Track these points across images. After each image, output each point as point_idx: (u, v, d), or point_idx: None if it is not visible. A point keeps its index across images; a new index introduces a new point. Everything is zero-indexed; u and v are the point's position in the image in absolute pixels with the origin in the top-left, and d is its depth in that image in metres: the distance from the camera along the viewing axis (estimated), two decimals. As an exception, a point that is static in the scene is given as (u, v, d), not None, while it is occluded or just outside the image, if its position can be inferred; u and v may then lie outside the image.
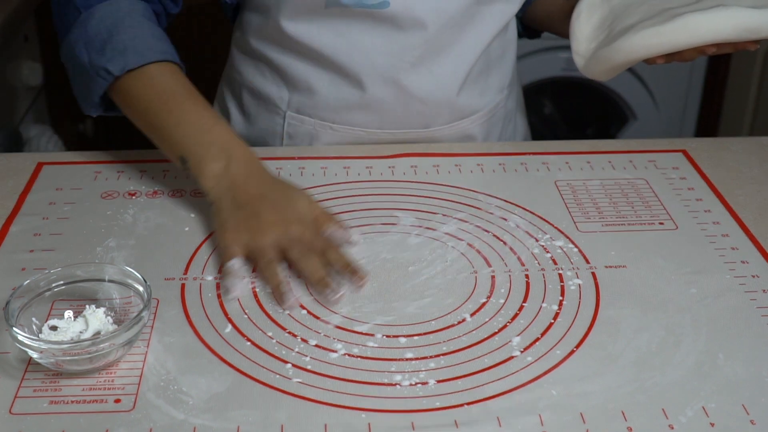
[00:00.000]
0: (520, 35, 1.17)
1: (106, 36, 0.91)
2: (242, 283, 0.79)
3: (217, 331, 0.75)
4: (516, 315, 0.77)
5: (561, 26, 1.06)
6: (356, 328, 0.75)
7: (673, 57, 0.93)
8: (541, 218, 0.91)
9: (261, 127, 1.09)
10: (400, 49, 1.00)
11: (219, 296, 0.79)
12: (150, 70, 0.91)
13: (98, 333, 0.71)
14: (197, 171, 0.87)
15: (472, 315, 0.77)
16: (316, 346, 0.73)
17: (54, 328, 0.72)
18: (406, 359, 0.72)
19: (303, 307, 0.77)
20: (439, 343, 0.74)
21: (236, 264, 0.79)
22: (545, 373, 0.71)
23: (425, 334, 0.75)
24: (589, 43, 0.98)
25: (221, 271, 0.81)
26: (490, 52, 1.08)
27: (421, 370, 0.71)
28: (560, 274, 0.82)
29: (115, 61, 0.90)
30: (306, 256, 0.80)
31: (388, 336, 0.74)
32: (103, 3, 0.93)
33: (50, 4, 0.98)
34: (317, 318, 0.76)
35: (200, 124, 0.89)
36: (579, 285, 0.81)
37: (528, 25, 1.17)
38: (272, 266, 0.79)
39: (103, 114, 0.98)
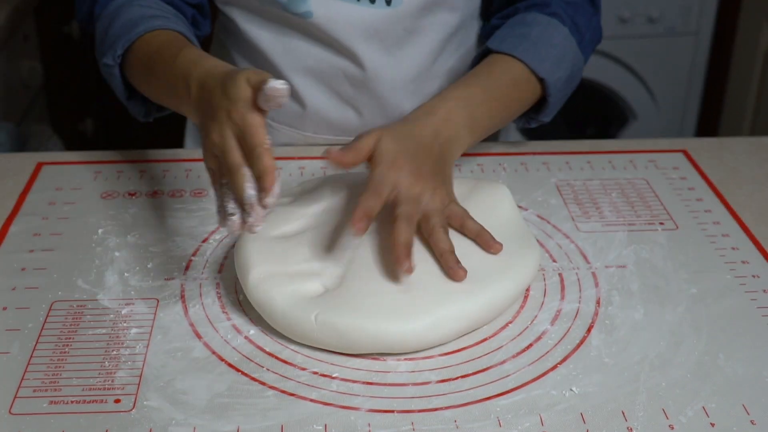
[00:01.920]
0: None
1: (104, 35, 0.91)
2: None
3: (217, 331, 0.74)
4: (516, 315, 0.77)
5: None
6: (356, 328, 0.75)
7: None
8: (541, 218, 0.91)
9: None
10: (332, 58, 0.99)
11: (219, 296, 0.79)
12: (138, 42, 0.87)
13: None
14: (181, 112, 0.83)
15: (472, 315, 0.77)
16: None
17: None
18: (407, 359, 0.72)
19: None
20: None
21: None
22: (545, 373, 0.70)
23: (425, 334, 0.74)
24: None
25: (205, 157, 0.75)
26: (461, 68, 1.05)
27: (422, 370, 0.71)
28: (560, 274, 0.82)
29: (108, 53, 0.89)
30: (229, 175, 0.70)
31: (388, 336, 0.74)
32: (108, 5, 0.93)
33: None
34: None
35: (200, 57, 0.80)
36: (579, 285, 0.81)
37: None
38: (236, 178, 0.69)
39: (156, 114, 0.95)
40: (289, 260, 0.76)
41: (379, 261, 0.76)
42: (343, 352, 0.72)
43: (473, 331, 0.74)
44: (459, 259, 0.75)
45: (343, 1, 0.95)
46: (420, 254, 0.77)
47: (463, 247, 0.77)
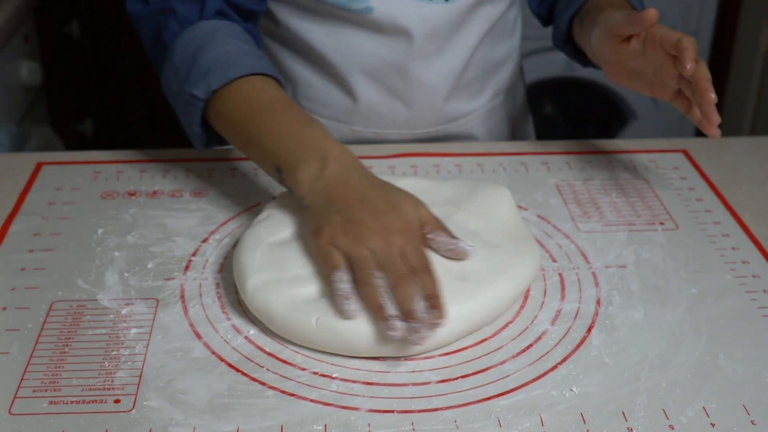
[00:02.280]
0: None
1: (190, 62, 0.87)
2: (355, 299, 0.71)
3: (217, 331, 0.74)
4: (516, 315, 0.77)
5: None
6: (356, 328, 0.75)
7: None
8: (541, 218, 0.91)
9: None
10: (388, 52, 1.01)
11: (219, 296, 0.78)
12: (237, 86, 0.85)
13: None
14: (291, 178, 0.79)
15: (472, 315, 0.77)
16: (316, 346, 0.73)
17: None
18: (407, 359, 0.72)
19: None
20: (440, 343, 0.73)
21: (343, 279, 0.71)
22: (545, 373, 0.70)
23: (425, 334, 0.74)
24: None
25: (327, 279, 0.73)
26: (488, 59, 1.08)
27: (422, 370, 0.71)
28: (560, 274, 0.82)
29: (200, 84, 0.85)
30: (401, 282, 0.70)
31: (388, 336, 0.74)
32: (185, 31, 0.89)
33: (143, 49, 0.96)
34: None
35: (291, 129, 0.81)
36: (579, 285, 0.81)
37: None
38: (370, 286, 0.70)
39: (216, 146, 0.92)
40: (288, 265, 0.76)
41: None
42: (345, 354, 0.72)
43: (473, 333, 0.74)
44: (460, 262, 0.76)
45: None
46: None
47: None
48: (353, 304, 0.70)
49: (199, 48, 0.88)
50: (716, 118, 0.83)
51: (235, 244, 0.84)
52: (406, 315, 0.69)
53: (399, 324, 0.68)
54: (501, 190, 0.86)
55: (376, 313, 0.69)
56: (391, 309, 0.69)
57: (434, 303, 0.69)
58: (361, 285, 0.71)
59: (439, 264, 0.75)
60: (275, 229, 0.80)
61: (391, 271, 0.71)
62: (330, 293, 0.72)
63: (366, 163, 1.00)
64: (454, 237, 0.75)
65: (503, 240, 0.79)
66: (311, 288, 0.74)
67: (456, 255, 0.75)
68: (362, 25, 0.99)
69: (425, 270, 0.72)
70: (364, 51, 1.01)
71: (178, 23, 0.91)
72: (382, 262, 0.71)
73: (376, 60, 1.01)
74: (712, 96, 0.81)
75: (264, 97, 0.85)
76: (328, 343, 0.71)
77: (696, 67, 0.81)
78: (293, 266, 0.76)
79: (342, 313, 0.70)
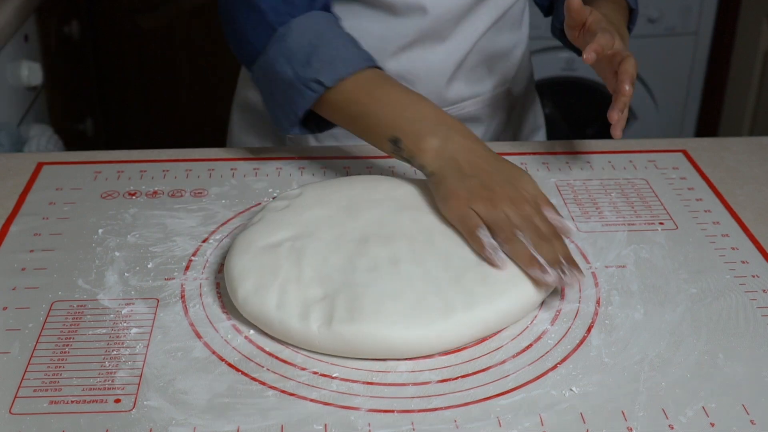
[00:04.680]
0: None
1: (311, 49, 0.89)
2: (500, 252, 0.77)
3: (217, 331, 0.74)
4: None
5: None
6: (356, 328, 0.75)
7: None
8: (541, 218, 0.91)
9: None
10: (393, 34, 1.01)
11: (219, 296, 0.79)
12: (359, 77, 0.89)
13: None
14: (414, 147, 0.84)
15: (472, 315, 0.77)
16: (316, 346, 0.73)
17: None
18: (407, 359, 0.72)
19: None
20: (439, 343, 0.74)
21: (488, 234, 0.77)
22: (545, 373, 0.71)
23: (425, 334, 0.74)
24: None
25: (472, 236, 0.78)
26: (494, 46, 1.08)
27: (422, 370, 0.71)
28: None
29: (326, 71, 0.88)
30: (541, 241, 0.77)
31: (388, 336, 0.74)
32: (299, 18, 0.91)
33: (223, 28, 0.97)
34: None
35: (407, 102, 0.86)
36: (579, 285, 0.81)
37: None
38: (517, 242, 0.77)
39: (299, 133, 0.95)
40: (281, 269, 0.75)
41: (384, 266, 0.76)
42: (350, 357, 0.71)
43: (486, 337, 0.74)
44: (474, 265, 0.76)
45: None
46: (425, 256, 0.77)
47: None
48: (502, 255, 0.77)
49: (319, 36, 0.90)
50: (617, 117, 0.92)
51: (235, 244, 0.84)
52: (553, 266, 0.76)
53: (552, 270, 0.75)
54: None
55: (529, 262, 0.76)
56: (541, 260, 0.75)
57: (572, 263, 0.77)
58: (507, 242, 0.77)
59: (460, 266, 0.76)
60: (267, 232, 0.80)
61: (530, 232, 0.77)
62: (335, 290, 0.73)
63: (366, 162, 1.00)
64: (560, 215, 0.81)
65: None
66: (308, 291, 0.73)
67: (561, 232, 0.80)
68: (374, 5, 1.00)
69: (556, 236, 0.78)
70: (373, 33, 1.01)
71: (289, 9, 0.92)
72: (519, 225, 0.77)
73: (384, 42, 1.02)
74: (627, 88, 0.89)
75: (382, 83, 0.89)
76: (333, 347, 0.71)
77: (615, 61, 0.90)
78: (286, 269, 0.75)
79: (493, 262, 0.76)
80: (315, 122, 0.95)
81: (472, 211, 0.78)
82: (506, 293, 0.74)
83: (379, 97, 0.87)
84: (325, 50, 0.89)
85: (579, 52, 1.09)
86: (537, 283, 0.76)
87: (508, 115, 1.18)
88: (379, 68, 0.92)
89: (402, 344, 0.70)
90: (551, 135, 1.29)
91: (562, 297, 0.79)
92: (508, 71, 1.14)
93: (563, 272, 0.76)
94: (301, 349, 0.73)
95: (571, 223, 0.86)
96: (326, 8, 0.95)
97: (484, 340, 0.74)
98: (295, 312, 0.72)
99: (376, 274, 0.75)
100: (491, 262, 0.76)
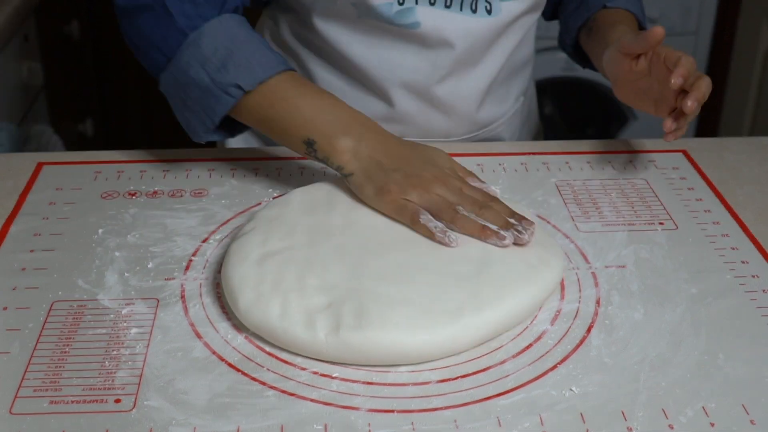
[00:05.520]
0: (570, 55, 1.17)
1: (226, 53, 0.87)
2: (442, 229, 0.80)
3: (217, 331, 0.75)
4: (516, 315, 0.77)
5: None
6: (356, 328, 0.75)
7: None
8: (541, 218, 0.91)
9: None
10: (429, 66, 1.01)
11: (219, 296, 0.79)
12: (275, 80, 0.88)
13: None
14: (329, 148, 0.85)
15: (472, 315, 0.77)
16: (316, 346, 0.73)
17: None
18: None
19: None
20: (439, 343, 0.74)
21: (432, 219, 0.80)
22: (545, 373, 0.71)
23: (425, 334, 0.74)
24: None
25: (416, 224, 0.80)
26: (514, 63, 1.09)
27: (422, 370, 0.71)
28: (560, 274, 0.82)
29: (244, 76, 0.87)
30: (482, 209, 0.80)
31: (388, 336, 0.74)
32: (211, 21, 0.89)
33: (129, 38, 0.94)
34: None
35: (323, 104, 0.87)
36: (579, 285, 0.81)
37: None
38: (462, 217, 0.80)
39: (214, 138, 0.93)
40: (282, 278, 0.75)
41: (389, 272, 0.75)
42: (359, 364, 0.71)
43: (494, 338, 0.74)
44: (479, 266, 0.76)
45: (449, 11, 0.98)
46: (428, 261, 0.77)
47: (484, 254, 0.78)
48: (452, 234, 0.79)
49: (233, 40, 0.89)
50: (674, 126, 0.90)
51: (235, 244, 0.84)
52: (504, 227, 0.79)
53: (506, 233, 0.78)
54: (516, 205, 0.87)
55: (483, 233, 0.79)
56: (492, 226, 0.79)
57: (519, 218, 0.81)
58: (453, 221, 0.80)
59: (462, 268, 0.76)
60: (262, 239, 0.79)
61: (469, 204, 0.81)
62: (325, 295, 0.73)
63: (366, 163, 1.00)
64: (482, 181, 0.85)
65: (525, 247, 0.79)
66: (312, 300, 0.73)
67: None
68: (406, 39, 0.99)
69: (492, 199, 0.82)
70: (405, 65, 1.01)
71: (200, 13, 0.90)
72: (457, 201, 0.81)
73: (416, 73, 1.02)
74: (689, 104, 0.87)
75: (297, 85, 0.89)
76: (340, 355, 0.70)
77: (688, 81, 0.88)
78: (287, 278, 0.75)
79: (447, 243, 0.78)
80: (228, 127, 0.93)
81: (408, 201, 0.81)
82: (513, 295, 0.74)
83: (294, 100, 0.87)
84: (241, 54, 0.88)
85: (582, 65, 1.13)
86: (540, 280, 0.76)
87: (522, 128, 1.19)
88: (293, 70, 0.90)
89: (410, 350, 0.70)
90: (551, 135, 1.30)
91: (562, 297, 0.79)
92: (523, 84, 1.15)
93: (518, 231, 0.79)
94: (301, 349, 0.73)
95: (495, 188, 0.87)
96: (236, 11, 0.93)
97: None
98: (300, 320, 0.71)
99: (381, 281, 0.74)
100: (444, 244, 0.78)
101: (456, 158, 1.02)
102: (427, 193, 0.81)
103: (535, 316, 0.77)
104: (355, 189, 0.84)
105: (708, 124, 2.40)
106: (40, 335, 0.73)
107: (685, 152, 1.05)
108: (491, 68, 1.05)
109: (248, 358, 0.72)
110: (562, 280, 0.81)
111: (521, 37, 1.06)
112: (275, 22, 1.09)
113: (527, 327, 0.76)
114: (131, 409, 0.66)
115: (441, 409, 0.67)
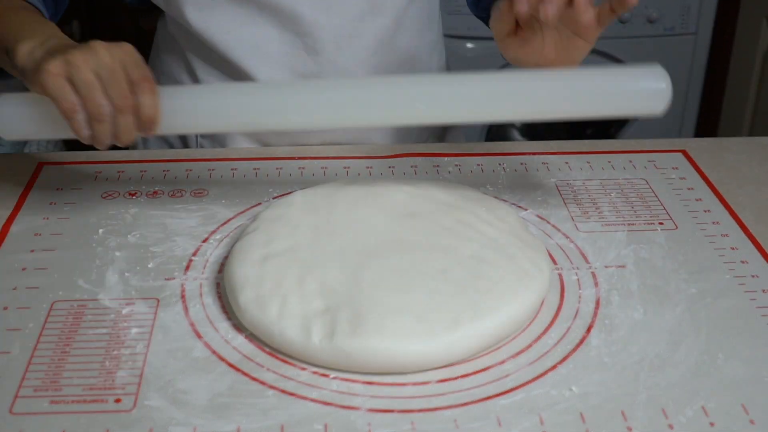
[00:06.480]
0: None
1: None
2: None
3: (217, 330, 0.75)
4: (516, 315, 0.77)
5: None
6: (356, 328, 0.75)
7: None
8: (541, 218, 0.91)
9: None
10: (295, 38, 1.01)
11: (219, 296, 0.79)
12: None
13: None
14: (14, 51, 0.81)
15: (472, 315, 0.77)
16: (317, 345, 0.73)
17: None
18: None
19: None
20: (439, 342, 0.74)
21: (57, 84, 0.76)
22: (545, 373, 0.71)
23: (425, 333, 0.75)
24: None
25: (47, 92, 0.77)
26: (412, 49, 1.08)
27: (422, 370, 0.71)
28: (560, 274, 0.82)
29: None
30: (112, 83, 0.75)
31: (388, 336, 0.74)
32: None
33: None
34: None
35: (31, 21, 0.85)
36: (578, 285, 0.81)
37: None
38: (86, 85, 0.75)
39: None
40: (284, 280, 0.75)
41: (387, 279, 0.75)
42: (353, 371, 0.71)
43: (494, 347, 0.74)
44: (475, 270, 0.76)
45: None
46: (427, 267, 0.77)
47: (479, 258, 0.78)
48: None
49: None
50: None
51: (235, 244, 0.84)
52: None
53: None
54: (504, 206, 0.87)
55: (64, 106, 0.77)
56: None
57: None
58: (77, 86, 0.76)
59: (458, 275, 0.75)
60: (266, 240, 0.80)
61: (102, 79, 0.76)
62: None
63: (365, 163, 1.00)
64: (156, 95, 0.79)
65: (517, 250, 0.79)
66: (311, 304, 0.73)
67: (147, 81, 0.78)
68: (265, 8, 0.99)
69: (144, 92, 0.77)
70: (270, 40, 1.01)
71: None
72: (97, 74, 0.76)
73: (285, 47, 1.01)
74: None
75: (15, 6, 0.88)
76: (336, 362, 0.70)
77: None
78: (288, 280, 0.75)
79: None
80: None
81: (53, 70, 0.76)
82: (512, 301, 0.74)
83: (7, 17, 0.85)
84: None
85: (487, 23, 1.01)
86: (535, 284, 0.76)
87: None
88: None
89: (404, 359, 0.70)
90: (551, 135, 1.29)
91: (562, 297, 0.79)
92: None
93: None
94: (301, 348, 0.73)
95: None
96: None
97: (484, 339, 0.74)
98: (296, 324, 0.71)
99: (378, 288, 0.74)
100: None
101: (456, 158, 1.02)
102: (73, 64, 0.75)
103: (535, 316, 0.77)
104: (29, 85, 0.81)
105: (707, 124, 2.40)
106: (40, 335, 0.73)
107: (684, 152, 1.05)
108: (369, 44, 1.03)
109: (248, 358, 0.72)
110: (562, 280, 0.81)
111: (401, 14, 1.04)
112: (161, 18, 1.10)
113: (527, 327, 0.76)
114: (131, 409, 0.66)
115: (441, 408, 0.67)
